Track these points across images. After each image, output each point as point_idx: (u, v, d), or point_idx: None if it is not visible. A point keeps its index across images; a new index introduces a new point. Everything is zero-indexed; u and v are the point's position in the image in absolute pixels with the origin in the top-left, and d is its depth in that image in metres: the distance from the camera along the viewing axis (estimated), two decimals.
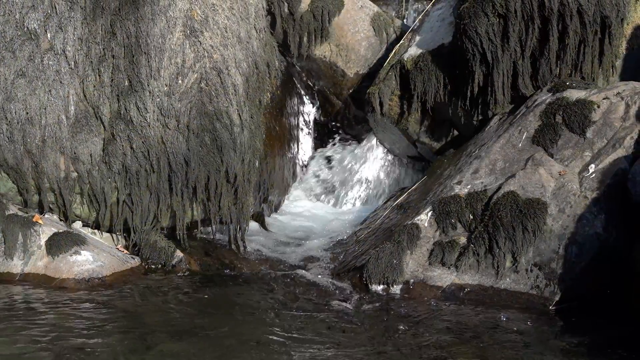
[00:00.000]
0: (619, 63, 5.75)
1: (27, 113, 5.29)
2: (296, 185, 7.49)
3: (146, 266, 5.46)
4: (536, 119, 5.35)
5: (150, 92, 5.34)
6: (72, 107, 5.37)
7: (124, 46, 5.35)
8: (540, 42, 5.56)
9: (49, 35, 5.32)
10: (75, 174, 5.42)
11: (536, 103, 5.46)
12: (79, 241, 5.22)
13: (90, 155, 5.40)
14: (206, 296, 5.01)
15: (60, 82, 5.33)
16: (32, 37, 5.29)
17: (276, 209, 7.08)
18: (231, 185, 5.63)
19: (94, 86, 5.38)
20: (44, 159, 5.35)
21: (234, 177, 5.59)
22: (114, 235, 5.63)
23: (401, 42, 6.78)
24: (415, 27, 6.78)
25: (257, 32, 5.84)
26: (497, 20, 5.56)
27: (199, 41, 5.42)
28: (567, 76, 5.58)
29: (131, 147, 5.39)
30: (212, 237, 5.88)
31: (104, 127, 5.41)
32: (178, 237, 5.62)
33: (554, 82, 5.55)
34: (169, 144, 5.40)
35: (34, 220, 5.26)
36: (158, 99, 5.35)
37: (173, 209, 5.57)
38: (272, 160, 6.79)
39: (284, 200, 7.26)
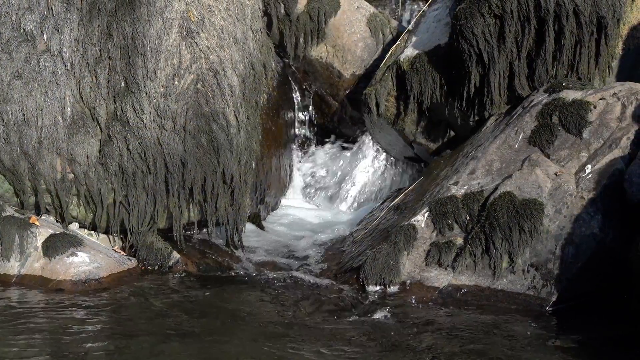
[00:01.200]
0: (615, 63, 5.76)
1: (24, 114, 5.29)
2: (293, 185, 7.49)
3: (143, 267, 5.45)
4: (532, 119, 5.36)
5: (146, 94, 5.34)
6: (69, 109, 5.36)
7: (120, 47, 5.34)
8: (536, 43, 5.57)
9: (45, 36, 5.31)
10: (71, 175, 5.41)
11: (532, 104, 5.47)
12: (75, 243, 5.22)
13: (87, 156, 5.39)
14: (203, 297, 5.01)
15: (57, 84, 5.32)
16: (29, 38, 5.29)
17: (273, 209, 7.08)
18: (228, 187, 5.62)
19: (90, 87, 5.37)
20: (40, 161, 5.34)
21: (230, 178, 5.59)
22: (110, 236, 5.63)
23: (397, 42, 6.79)
24: (412, 28, 6.79)
25: (253, 33, 5.84)
26: (494, 21, 5.57)
27: (195, 42, 5.42)
28: (563, 77, 5.59)
29: (127, 149, 5.38)
30: (209, 238, 5.88)
31: (100, 128, 5.40)
32: (175, 239, 5.62)
33: (550, 83, 5.56)
34: (166, 145, 5.39)
35: (30, 221, 5.25)
36: (154, 100, 5.35)
37: (170, 210, 5.56)
38: (269, 161, 6.79)
39: (280, 201, 7.26)
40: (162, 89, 5.36)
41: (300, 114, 7.68)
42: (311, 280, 5.37)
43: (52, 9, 5.30)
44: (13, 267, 5.14)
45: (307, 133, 7.73)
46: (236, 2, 5.68)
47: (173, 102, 5.37)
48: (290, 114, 7.44)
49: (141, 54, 5.32)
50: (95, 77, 5.37)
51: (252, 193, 6.22)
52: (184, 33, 5.40)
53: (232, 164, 5.55)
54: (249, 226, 6.31)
